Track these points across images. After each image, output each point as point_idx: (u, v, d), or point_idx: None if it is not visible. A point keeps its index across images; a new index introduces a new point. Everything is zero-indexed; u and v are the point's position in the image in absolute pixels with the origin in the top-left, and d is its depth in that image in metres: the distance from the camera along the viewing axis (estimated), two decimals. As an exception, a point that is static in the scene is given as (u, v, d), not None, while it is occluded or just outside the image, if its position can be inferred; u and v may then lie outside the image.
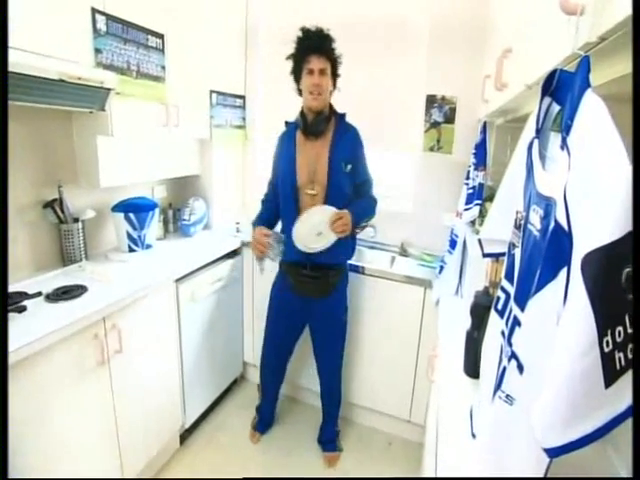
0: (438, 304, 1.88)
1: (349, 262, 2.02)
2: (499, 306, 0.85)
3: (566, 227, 0.51)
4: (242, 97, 2.69)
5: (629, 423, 0.45)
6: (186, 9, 2.11)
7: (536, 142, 0.72)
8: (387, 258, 2.45)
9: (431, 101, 2.30)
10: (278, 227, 1.96)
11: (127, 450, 1.73)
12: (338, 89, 1.82)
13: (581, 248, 0.46)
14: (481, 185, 1.69)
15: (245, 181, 2.74)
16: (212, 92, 2.36)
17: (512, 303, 0.75)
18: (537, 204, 0.68)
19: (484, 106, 1.83)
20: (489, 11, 1.97)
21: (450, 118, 2.28)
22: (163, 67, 1.97)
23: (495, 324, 0.85)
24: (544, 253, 0.56)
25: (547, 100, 0.69)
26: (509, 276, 0.81)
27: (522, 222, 0.76)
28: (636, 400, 0.42)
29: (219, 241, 2.38)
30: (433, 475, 1.01)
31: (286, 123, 1.93)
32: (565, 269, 0.51)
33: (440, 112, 2.29)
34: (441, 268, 1.97)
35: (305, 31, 1.71)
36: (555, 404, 0.46)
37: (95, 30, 1.62)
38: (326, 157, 1.75)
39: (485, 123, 1.74)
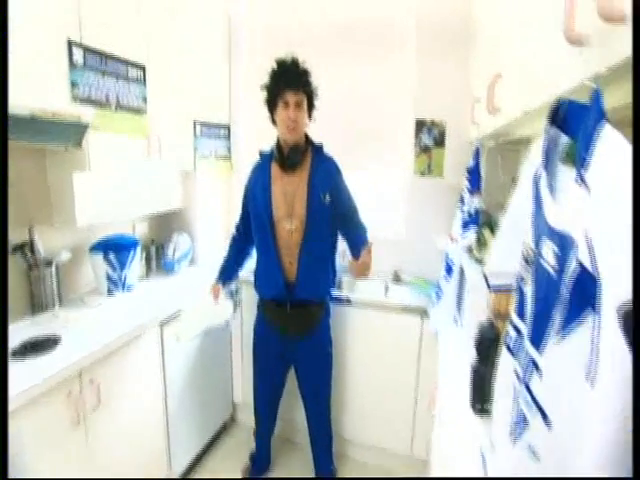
0: (437, 334, 1.85)
1: (335, 294, 2.02)
2: (511, 343, 0.82)
3: (591, 269, 0.48)
4: (227, 127, 2.69)
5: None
6: (167, 37, 2.11)
7: (544, 173, 0.71)
8: (380, 287, 2.43)
9: (420, 125, 2.34)
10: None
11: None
12: (314, 120, 1.83)
13: (613, 294, 0.43)
14: (477, 211, 1.70)
15: (231, 213, 2.69)
16: (196, 123, 2.37)
17: (527, 343, 0.72)
18: (550, 238, 0.65)
19: (474, 128, 1.85)
20: (477, 33, 2.00)
21: (440, 141, 2.31)
22: (144, 99, 1.96)
23: (507, 362, 0.82)
24: (567, 297, 0.53)
25: (553, 130, 0.68)
26: (521, 313, 0.78)
27: (531, 256, 0.74)
28: (636, 400, 0.43)
29: (205, 277, 2.29)
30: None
31: (260, 154, 1.92)
32: (592, 315, 0.48)
33: (430, 136, 2.33)
34: (437, 295, 1.94)
35: (280, 64, 1.71)
36: (603, 464, 0.42)
37: (71, 63, 1.59)
38: (304, 190, 1.75)
39: (478, 148, 1.74)
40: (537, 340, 0.66)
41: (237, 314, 2.14)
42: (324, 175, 1.79)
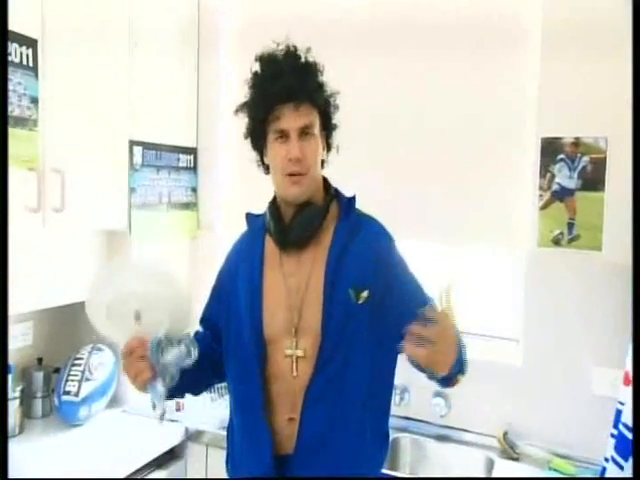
0: None
1: (384, 472, 1.89)
2: None
3: None
4: (192, 151, 2.67)
5: None
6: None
7: None
8: (477, 461, 2.26)
9: (552, 149, 2.19)
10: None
11: None
12: (336, 150, 1.73)
13: None
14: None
15: (195, 307, 2.45)
16: (133, 144, 2.31)
17: None
18: None
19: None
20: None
21: (595, 180, 2.14)
22: (34, 100, 1.88)
23: None
24: None
25: None
26: None
27: None
28: (636, 400, 0.74)
29: (139, 433, 2.23)
30: None
31: (248, 217, 1.80)
32: None
33: (572, 170, 2.16)
34: None
35: (265, 62, 1.60)
36: None
37: None
38: (320, 280, 1.61)
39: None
40: None
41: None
42: (361, 254, 1.64)
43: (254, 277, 1.67)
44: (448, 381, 1.61)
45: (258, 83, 1.60)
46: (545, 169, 2.18)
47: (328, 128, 1.67)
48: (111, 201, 2.25)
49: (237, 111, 1.66)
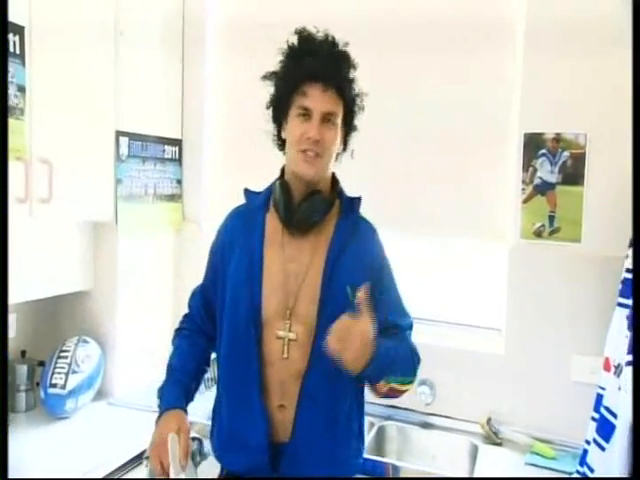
0: None
1: (367, 456, 1.95)
2: None
3: None
4: (177, 142, 2.65)
5: None
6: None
7: None
8: (461, 448, 2.28)
9: (534, 144, 2.21)
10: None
11: None
12: (351, 154, 1.76)
13: None
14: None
15: (180, 299, 2.49)
16: (120, 134, 2.31)
17: None
18: None
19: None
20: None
21: (574, 175, 2.17)
22: (22, 88, 1.86)
23: None
24: None
25: None
26: None
27: None
28: (636, 400, 0.70)
29: (125, 425, 2.20)
30: None
31: (247, 193, 1.79)
32: None
33: (553, 165, 2.19)
34: (582, 477, 1.84)
35: (304, 38, 1.61)
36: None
37: None
38: (319, 271, 1.63)
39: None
40: None
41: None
42: (357, 252, 1.67)
43: (254, 256, 1.67)
44: (373, 386, 1.61)
45: (292, 55, 1.61)
46: (527, 163, 2.21)
47: (349, 125, 1.67)
48: (98, 192, 2.25)
49: (265, 78, 1.65)
